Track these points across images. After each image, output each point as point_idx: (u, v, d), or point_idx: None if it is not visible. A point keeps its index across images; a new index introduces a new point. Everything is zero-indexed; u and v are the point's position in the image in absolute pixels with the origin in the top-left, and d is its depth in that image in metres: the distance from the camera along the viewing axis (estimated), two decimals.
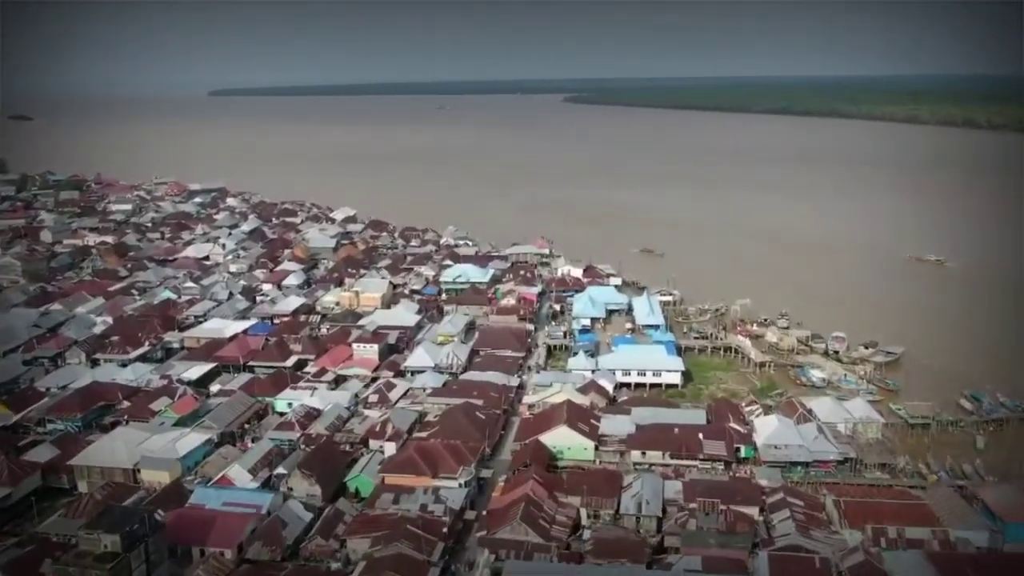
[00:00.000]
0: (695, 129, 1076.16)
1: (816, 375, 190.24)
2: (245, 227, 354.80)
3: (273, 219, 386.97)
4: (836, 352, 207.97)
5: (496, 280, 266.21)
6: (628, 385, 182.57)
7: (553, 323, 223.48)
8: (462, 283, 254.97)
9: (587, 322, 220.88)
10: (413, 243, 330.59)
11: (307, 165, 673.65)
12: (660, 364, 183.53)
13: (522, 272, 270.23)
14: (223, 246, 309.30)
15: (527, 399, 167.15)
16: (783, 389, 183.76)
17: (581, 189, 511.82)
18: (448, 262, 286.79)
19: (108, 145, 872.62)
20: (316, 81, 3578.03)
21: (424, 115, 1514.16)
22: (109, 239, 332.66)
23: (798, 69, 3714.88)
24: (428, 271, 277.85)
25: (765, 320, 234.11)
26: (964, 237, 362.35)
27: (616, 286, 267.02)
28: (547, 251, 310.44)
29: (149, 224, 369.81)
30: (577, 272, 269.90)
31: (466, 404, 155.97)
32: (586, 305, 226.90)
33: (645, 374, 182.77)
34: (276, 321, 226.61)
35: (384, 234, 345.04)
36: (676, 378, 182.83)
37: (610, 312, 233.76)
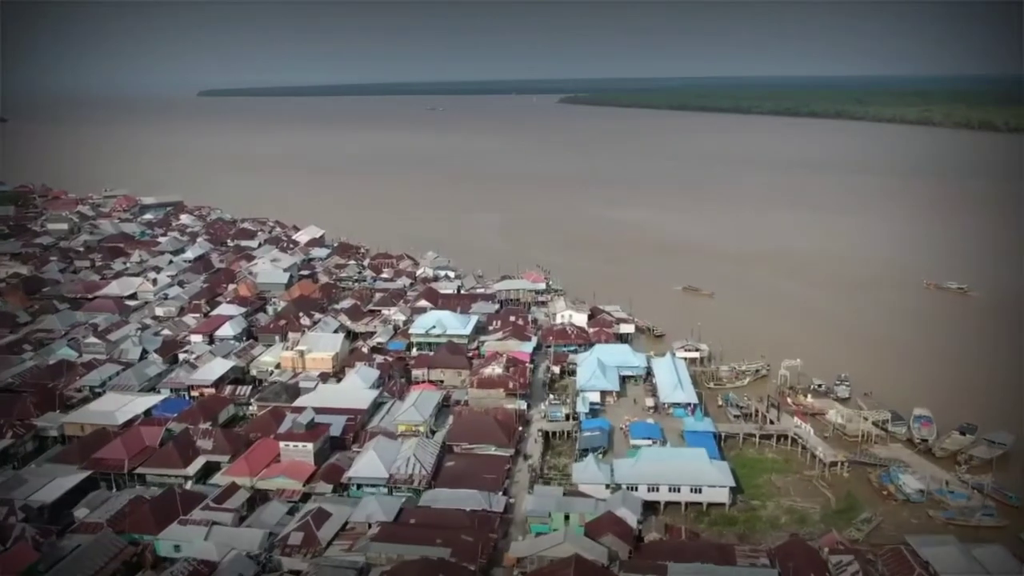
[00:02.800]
0: (699, 132, 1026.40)
1: (910, 484, 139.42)
2: (190, 253, 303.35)
3: (228, 241, 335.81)
4: (924, 441, 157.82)
5: (480, 329, 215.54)
6: (655, 504, 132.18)
7: (552, 397, 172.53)
8: (436, 336, 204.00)
9: (596, 396, 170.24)
10: (384, 274, 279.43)
11: (282, 172, 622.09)
12: (700, 476, 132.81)
13: (512, 318, 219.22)
14: (154, 281, 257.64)
15: (516, 548, 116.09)
16: (870, 512, 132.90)
17: (580, 203, 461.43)
18: (424, 303, 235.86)
19: (76, 150, 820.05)
20: (308, 82, 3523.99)
21: (415, 116, 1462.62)
22: (25, 270, 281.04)
23: (797, 69, 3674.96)
24: (398, 315, 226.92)
25: (820, 387, 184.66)
26: (985, 258, 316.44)
27: (628, 335, 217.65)
28: (543, 286, 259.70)
29: (81, 248, 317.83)
30: (581, 318, 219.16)
31: (424, 563, 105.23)
32: (594, 372, 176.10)
33: (679, 489, 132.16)
34: (195, 393, 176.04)
35: (352, 262, 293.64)
36: (723, 495, 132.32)
37: (624, 377, 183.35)
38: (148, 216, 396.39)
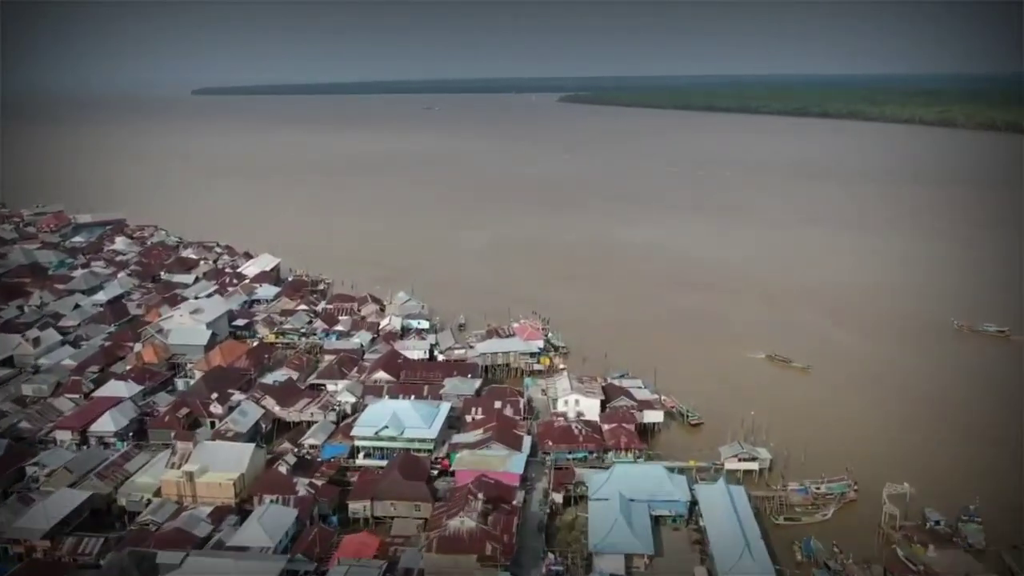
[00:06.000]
0: (706, 134, 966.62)
1: None
2: (103, 294, 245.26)
3: (162, 273, 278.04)
4: None
5: (454, 420, 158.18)
6: None
7: (552, 558, 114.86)
8: (389, 438, 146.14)
9: (618, 562, 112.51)
10: (340, 324, 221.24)
11: (258, 178, 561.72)
12: None
13: (498, 404, 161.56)
14: (35, 340, 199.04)
15: None
16: None
17: (581, 216, 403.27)
18: (381, 375, 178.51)
19: (49, 154, 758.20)
20: (306, 80, 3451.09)
21: (410, 116, 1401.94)
22: None
23: (797, 67, 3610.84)
24: (348, 395, 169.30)
25: (938, 524, 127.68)
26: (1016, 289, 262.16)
27: (655, 425, 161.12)
28: (540, 344, 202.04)
29: None
30: (591, 406, 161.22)
31: None
32: (615, 521, 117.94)
33: None
34: (20, 549, 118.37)
35: (302, 307, 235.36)
36: None
37: (657, 517, 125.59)
38: (79, 238, 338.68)
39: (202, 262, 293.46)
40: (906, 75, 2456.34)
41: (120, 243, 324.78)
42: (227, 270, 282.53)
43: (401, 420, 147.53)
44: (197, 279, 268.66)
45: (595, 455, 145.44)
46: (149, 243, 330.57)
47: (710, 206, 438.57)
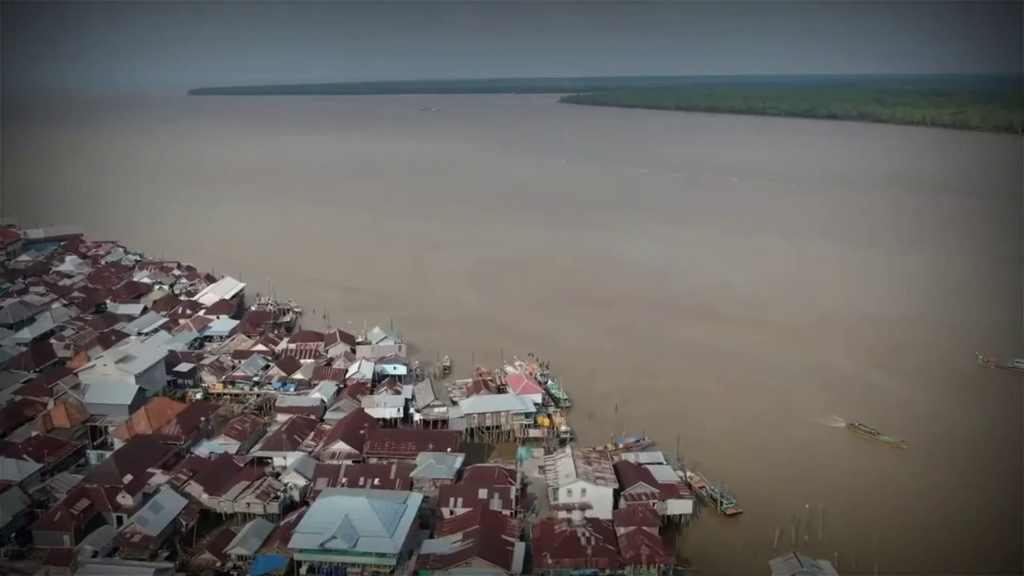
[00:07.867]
0: (709, 136, 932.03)
1: None
2: (29, 330, 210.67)
3: (107, 302, 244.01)
4: None
5: (425, 519, 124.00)
6: None
7: None
8: (339, 552, 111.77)
9: None
10: (300, 371, 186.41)
11: (236, 187, 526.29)
12: None
13: (483, 493, 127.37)
14: None
15: None
16: None
17: (580, 230, 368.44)
18: (340, 446, 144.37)
19: (15, 160, 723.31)
20: (305, 80, 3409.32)
21: (407, 118, 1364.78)
22: None
23: (802, 68, 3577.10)
24: (296, 476, 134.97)
25: None
26: None
27: (684, 517, 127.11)
28: (538, 399, 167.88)
29: None
30: (602, 496, 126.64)
31: None
32: None
33: None
34: None
35: (259, 348, 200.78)
36: None
37: None
38: (26, 257, 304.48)
39: (156, 287, 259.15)
40: (909, 75, 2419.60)
41: (69, 263, 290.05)
42: (182, 297, 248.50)
43: (354, 526, 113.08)
44: (146, 309, 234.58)
45: (608, 573, 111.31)
46: (103, 263, 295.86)
47: (717, 217, 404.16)
